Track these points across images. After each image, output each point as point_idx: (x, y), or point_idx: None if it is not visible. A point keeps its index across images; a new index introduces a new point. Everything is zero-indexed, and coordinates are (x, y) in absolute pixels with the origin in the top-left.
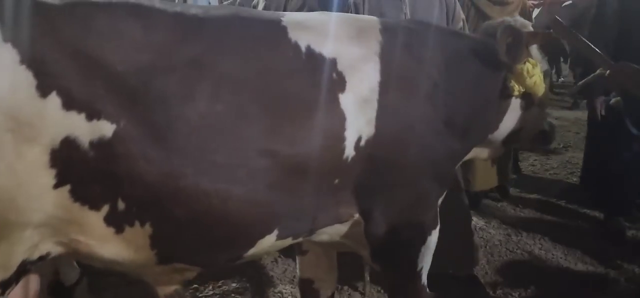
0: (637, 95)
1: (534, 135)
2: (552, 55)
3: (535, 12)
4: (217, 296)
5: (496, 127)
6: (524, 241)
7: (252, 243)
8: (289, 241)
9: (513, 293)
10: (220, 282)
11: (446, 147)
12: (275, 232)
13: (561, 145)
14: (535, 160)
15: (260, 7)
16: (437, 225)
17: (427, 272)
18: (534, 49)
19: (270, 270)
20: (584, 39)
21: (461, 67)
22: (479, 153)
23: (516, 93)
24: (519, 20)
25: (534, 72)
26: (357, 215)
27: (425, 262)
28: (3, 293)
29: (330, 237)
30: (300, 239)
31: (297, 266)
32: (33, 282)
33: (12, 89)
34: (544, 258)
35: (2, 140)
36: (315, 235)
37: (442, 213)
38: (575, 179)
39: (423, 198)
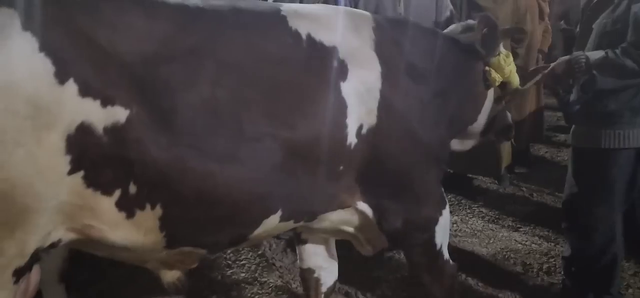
0: None
1: (501, 128)
2: (566, 46)
3: None
4: (227, 286)
5: (475, 119)
6: (533, 232)
7: (256, 223)
8: (291, 224)
9: (523, 284)
10: (229, 272)
11: (438, 133)
12: (278, 213)
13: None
14: (547, 151)
15: None
16: (445, 204)
17: (446, 247)
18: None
19: (279, 260)
20: None
21: (445, 59)
22: (458, 145)
23: (496, 83)
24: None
25: (509, 61)
26: (359, 204)
27: (443, 239)
28: (18, 281)
29: (332, 223)
30: (302, 223)
31: (298, 257)
32: (34, 272)
33: (32, 76)
34: (553, 251)
35: (22, 127)
36: (317, 221)
37: None
38: None
39: (425, 182)
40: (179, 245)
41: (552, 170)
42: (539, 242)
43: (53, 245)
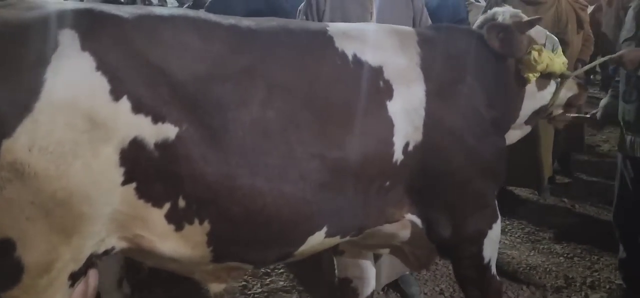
0: None
1: (567, 102)
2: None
3: (590, 9)
4: (265, 294)
5: (517, 116)
6: (576, 245)
7: (302, 241)
8: (337, 239)
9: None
10: (268, 280)
11: (491, 144)
12: (324, 230)
13: (616, 147)
14: (588, 162)
15: None
16: (497, 218)
17: (494, 262)
18: (536, 30)
19: (316, 270)
20: None
21: (485, 64)
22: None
23: (532, 80)
24: (506, 11)
25: (541, 58)
26: (407, 216)
27: (491, 253)
28: (73, 285)
29: (379, 237)
30: (348, 238)
31: (335, 266)
32: (92, 276)
33: (89, 93)
34: (597, 264)
35: (80, 140)
36: (363, 235)
37: None
38: None
39: (477, 196)
40: (225, 260)
41: (595, 181)
42: (581, 254)
43: (107, 252)
